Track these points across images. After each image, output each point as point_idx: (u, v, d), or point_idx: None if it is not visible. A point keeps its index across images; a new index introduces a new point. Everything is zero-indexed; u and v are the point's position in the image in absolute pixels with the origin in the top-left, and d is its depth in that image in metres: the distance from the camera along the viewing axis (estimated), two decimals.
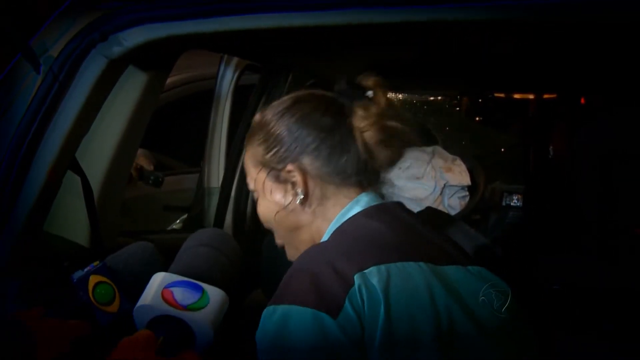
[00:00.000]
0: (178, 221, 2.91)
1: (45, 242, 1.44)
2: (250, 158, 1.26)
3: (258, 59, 2.28)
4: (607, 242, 1.91)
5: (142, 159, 2.32)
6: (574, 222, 2.05)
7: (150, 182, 2.35)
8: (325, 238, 1.20)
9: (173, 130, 3.55)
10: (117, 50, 1.31)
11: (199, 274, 1.01)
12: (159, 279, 0.97)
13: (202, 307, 0.94)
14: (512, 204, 3.25)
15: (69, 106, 1.33)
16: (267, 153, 1.22)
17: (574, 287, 1.89)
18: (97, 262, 1.06)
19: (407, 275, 1.08)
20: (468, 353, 1.08)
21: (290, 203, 1.21)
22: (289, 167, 1.21)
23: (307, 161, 1.21)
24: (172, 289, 0.95)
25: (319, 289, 1.01)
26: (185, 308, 0.93)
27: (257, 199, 1.27)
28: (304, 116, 1.22)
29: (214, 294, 0.97)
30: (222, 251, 1.09)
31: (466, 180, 2.76)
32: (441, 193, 2.70)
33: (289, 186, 1.21)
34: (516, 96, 3.65)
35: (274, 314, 1.02)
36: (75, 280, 1.03)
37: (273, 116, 1.24)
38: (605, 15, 1.11)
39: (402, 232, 1.17)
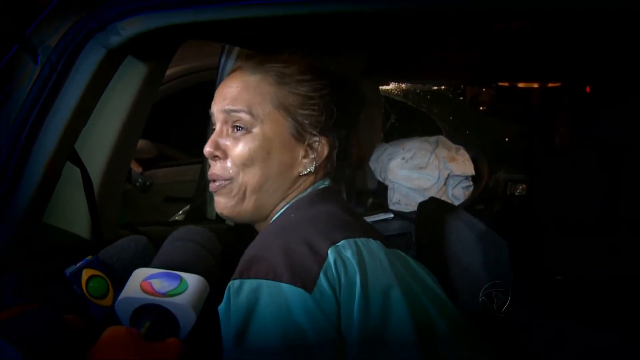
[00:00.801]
0: (180, 212, 2.91)
1: (44, 234, 1.43)
2: (271, 94, 1.19)
3: (260, 49, 2.27)
4: (609, 237, 1.90)
5: (132, 162, 2.30)
6: (576, 215, 2.04)
7: (138, 184, 2.34)
8: (280, 211, 1.19)
9: (175, 121, 3.54)
10: (115, 40, 1.29)
11: (177, 265, 1.00)
12: (137, 274, 0.97)
13: (181, 293, 0.94)
14: (516, 193, 3.24)
15: (67, 97, 1.31)
16: (301, 108, 1.18)
17: (577, 278, 1.88)
18: (90, 256, 1.05)
19: (371, 250, 1.10)
20: (430, 322, 1.09)
21: (292, 165, 1.19)
22: (320, 139, 1.18)
23: (333, 144, 1.19)
24: (150, 280, 0.95)
25: (293, 264, 1.01)
26: (165, 295, 0.93)
27: (244, 130, 1.19)
28: (346, 104, 1.20)
29: (192, 279, 0.96)
30: (198, 242, 1.09)
31: (470, 170, 2.75)
32: (445, 183, 2.69)
33: (304, 151, 1.18)
34: (520, 85, 3.63)
35: (241, 289, 1.00)
36: (68, 275, 1.01)
37: (321, 83, 1.19)
38: (612, 3, 1.10)
39: (350, 214, 1.18)
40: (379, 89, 3.27)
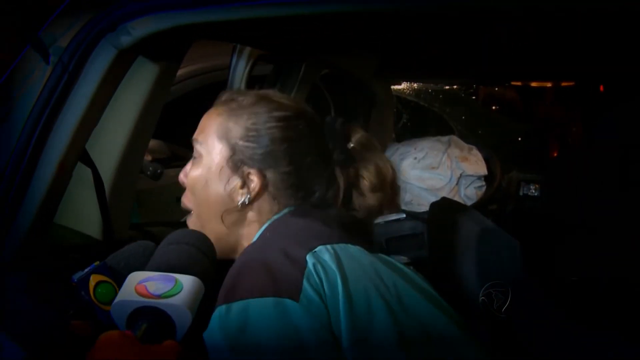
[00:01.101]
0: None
1: (55, 235, 1.43)
2: (219, 125, 1.23)
3: (271, 49, 2.26)
4: (621, 238, 1.88)
5: None
6: (589, 215, 2.02)
7: (149, 173, 2.33)
8: (254, 238, 1.20)
9: (187, 121, 3.54)
10: (126, 40, 1.30)
11: (172, 268, 1.00)
12: (132, 278, 0.97)
13: (176, 294, 0.93)
14: (529, 193, 3.22)
15: (78, 97, 1.32)
16: (242, 140, 1.20)
17: (591, 279, 1.86)
18: (97, 261, 1.05)
19: (351, 254, 1.11)
20: (417, 319, 1.09)
21: (229, 195, 1.20)
22: (253, 171, 1.19)
23: (272, 176, 1.20)
24: (145, 283, 0.95)
25: (275, 277, 1.01)
26: (160, 297, 0.93)
27: (196, 159, 1.24)
28: (297, 138, 1.21)
29: (187, 280, 0.96)
30: (193, 244, 1.09)
31: (482, 169, 2.73)
32: (457, 183, 2.68)
33: (240, 183, 1.20)
34: (533, 84, 3.61)
35: (229, 312, 0.99)
36: (76, 280, 1.02)
37: (269, 116, 1.21)
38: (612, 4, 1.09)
39: (327, 226, 1.18)
40: (390, 88, 3.26)
